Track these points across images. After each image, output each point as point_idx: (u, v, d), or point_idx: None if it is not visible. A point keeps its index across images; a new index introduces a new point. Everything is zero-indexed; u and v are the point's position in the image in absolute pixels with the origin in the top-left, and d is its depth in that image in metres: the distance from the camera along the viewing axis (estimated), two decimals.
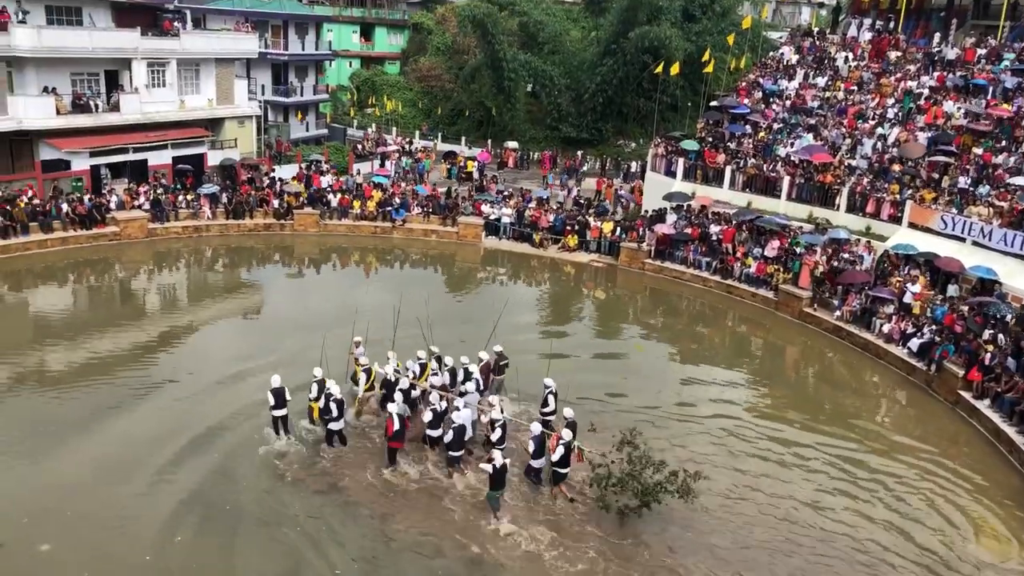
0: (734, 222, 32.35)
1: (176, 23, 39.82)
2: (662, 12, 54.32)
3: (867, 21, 44.54)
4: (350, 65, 68.09)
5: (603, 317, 29.07)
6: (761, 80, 42.09)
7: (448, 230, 35.59)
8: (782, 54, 45.17)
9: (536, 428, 16.13)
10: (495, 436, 15.98)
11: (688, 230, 32.65)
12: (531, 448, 15.86)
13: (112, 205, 32.34)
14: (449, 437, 16.06)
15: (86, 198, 31.98)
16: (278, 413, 17.02)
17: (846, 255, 28.83)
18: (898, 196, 30.42)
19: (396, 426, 15.99)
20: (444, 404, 17.03)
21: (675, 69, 43.37)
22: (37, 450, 16.54)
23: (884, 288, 26.46)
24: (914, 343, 24.11)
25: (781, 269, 29.39)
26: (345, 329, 20.16)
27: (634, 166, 50.29)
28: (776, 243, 30.46)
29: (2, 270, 27.74)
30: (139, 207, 32.86)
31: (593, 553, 14.36)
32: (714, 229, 32.29)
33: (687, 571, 14.12)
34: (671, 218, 33.85)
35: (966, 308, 24.32)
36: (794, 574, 14.40)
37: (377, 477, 16.28)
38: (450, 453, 16.25)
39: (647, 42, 49.62)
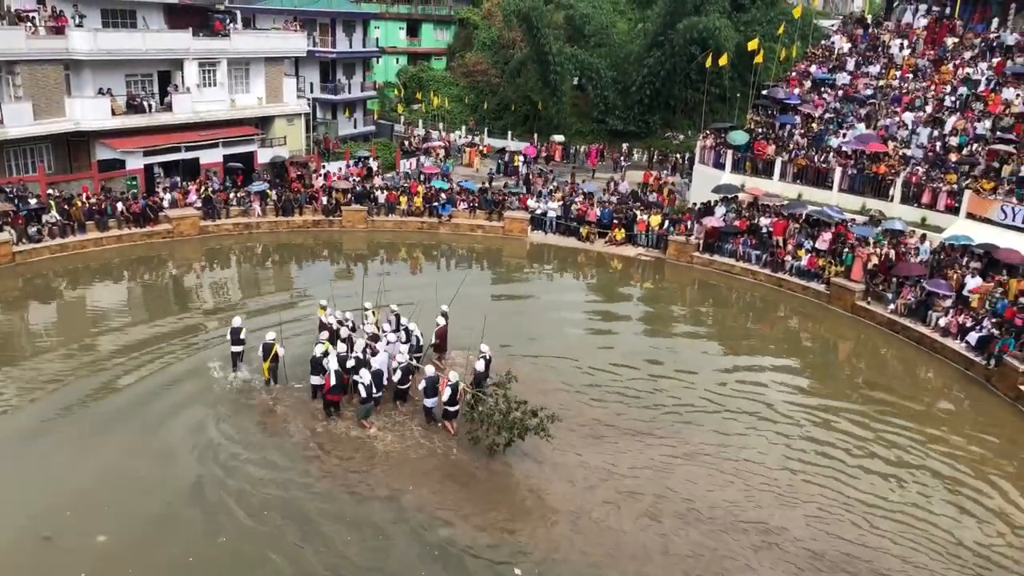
0: (785, 214, 31.79)
1: (227, 23, 40.48)
2: (710, 2, 53.48)
3: (923, 7, 43.33)
4: (397, 62, 68.48)
5: (649, 312, 28.69)
6: (812, 69, 41.28)
7: (494, 225, 35.60)
8: (833, 43, 44.22)
9: (430, 370, 18.12)
10: (396, 377, 18.46)
11: (737, 223, 32.16)
12: (421, 386, 17.97)
13: (165, 203, 33.03)
14: (368, 380, 17.71)
15: (140, 197, 32.75)
16: (235, 349, 19.88)
17: (901, 247, 28.11)
18: (955, 186, 29.56)
19: (333, 381, 17.84)
20: (368, 353, 19.00)
21: (724, 60, 42.73)
22: (87, 441, 17.02)
23: (941, 281, 25.71)
24: (972, 337, 23.41)
25: (833, 262, 28.78)
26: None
27: (678, 158, 49.78)
28: (828, 235, 29.82)
29: (62, 267, 28.56)
30: (191, 205, 33.48)
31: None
32: (764, 221, 31.75)
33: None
34: (720, 211, 33.38)
35: None
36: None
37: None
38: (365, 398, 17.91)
39: (695, 33, 48.94)
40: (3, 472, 15.85)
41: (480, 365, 18.73)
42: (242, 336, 19.93)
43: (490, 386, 17.93)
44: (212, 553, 13.85)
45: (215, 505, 15.09)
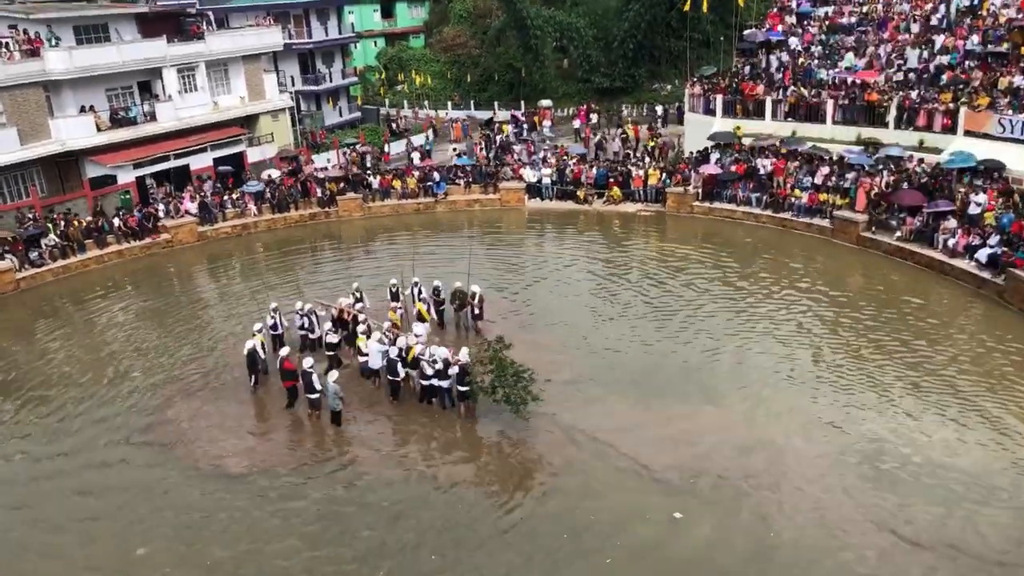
0: (784, 151, 31.57)
1: (202, 27, 40.10)
2: None
3: None
4: (375, 44, 67.92)
5: (656, 264, 28.52)
6: (792, 3, 40.78)
7: (490, 197, 35.45)
8: None
9: (442, 352, 18.06)
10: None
11: (735, 168, 31.92)
12: (434, 369, 17.95)
13: (160, 213, 32.95)
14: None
15: (135, 210, 32.71)
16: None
17: (904, 173, 27.89)
18: (951, 105, 29.20)
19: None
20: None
21: (705, 5, 42.06)
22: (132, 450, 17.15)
23: (942, 202, 25.53)
24: (982, 254, 23.27)
25: (836, 197, 28.58)
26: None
27: (659, 110, 49.25)
28: (825, 170, 29.60)
29: (67, 288, 28.47)
30: (186, 212, 33.35)
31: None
32: (763, 163, 31.50)
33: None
34: (715, 157, 33.13)
35: None
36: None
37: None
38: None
39: None
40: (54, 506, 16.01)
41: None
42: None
43: (486, 351, 18.04)
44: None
45: (267, 512, 15.23)
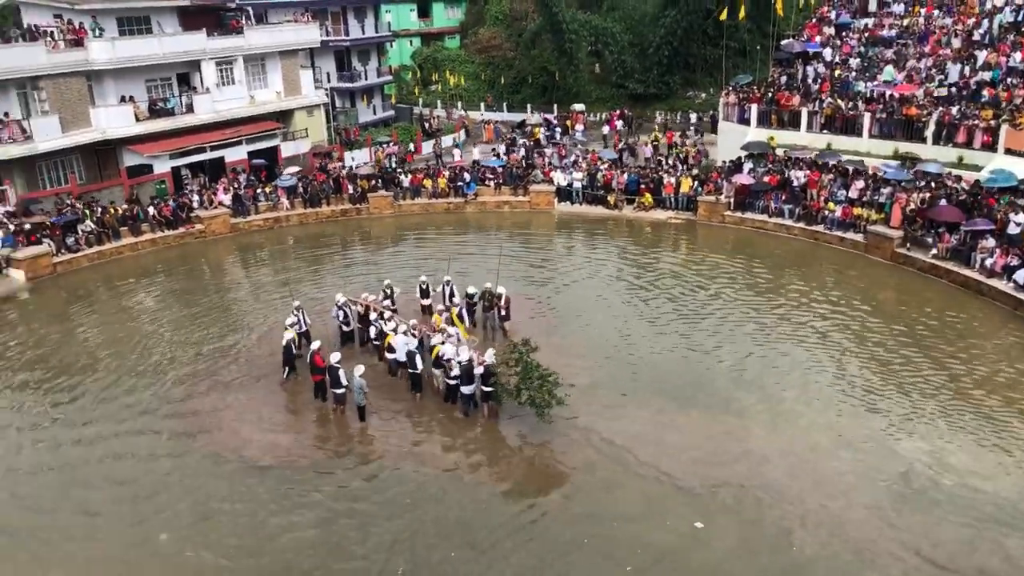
0: (820, 163, 31.23)
1: (242, 21, 40.54)
2: None
3: None
4: (411, 44, 68.26)
5: (687, 273, 28.35)
6: (831, 15, 40.40)
7: (520, 199, 35.45)
8: None
9: (464, 353, 17.90)
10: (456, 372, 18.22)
11: (767, 179, 31.65)
12: (455, 372, 17.79)
13: (194, 204, 33.35)
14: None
15: (170, 200, 33.13)
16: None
17: (941, 189, 27.48)
18: (992, 122, 28.73)
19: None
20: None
21: (742, 14, 41.83)
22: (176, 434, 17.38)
23: (980, 220, 25.09)
24: (1020, 275, 22.85)
25: (871, 211, 28.22)
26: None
27: (693, 117, 48.80)
28: (860, 183, 29.25)
29: (102, 274, 28.93)
30: (220, 203, 33.71)
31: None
32: (796, 175, 31.19)
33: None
34: (748, 167, 32.87)
35: None
36: None
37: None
38: None
39: None
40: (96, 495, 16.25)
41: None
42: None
43: (512, 352, 17.98)
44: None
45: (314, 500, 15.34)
